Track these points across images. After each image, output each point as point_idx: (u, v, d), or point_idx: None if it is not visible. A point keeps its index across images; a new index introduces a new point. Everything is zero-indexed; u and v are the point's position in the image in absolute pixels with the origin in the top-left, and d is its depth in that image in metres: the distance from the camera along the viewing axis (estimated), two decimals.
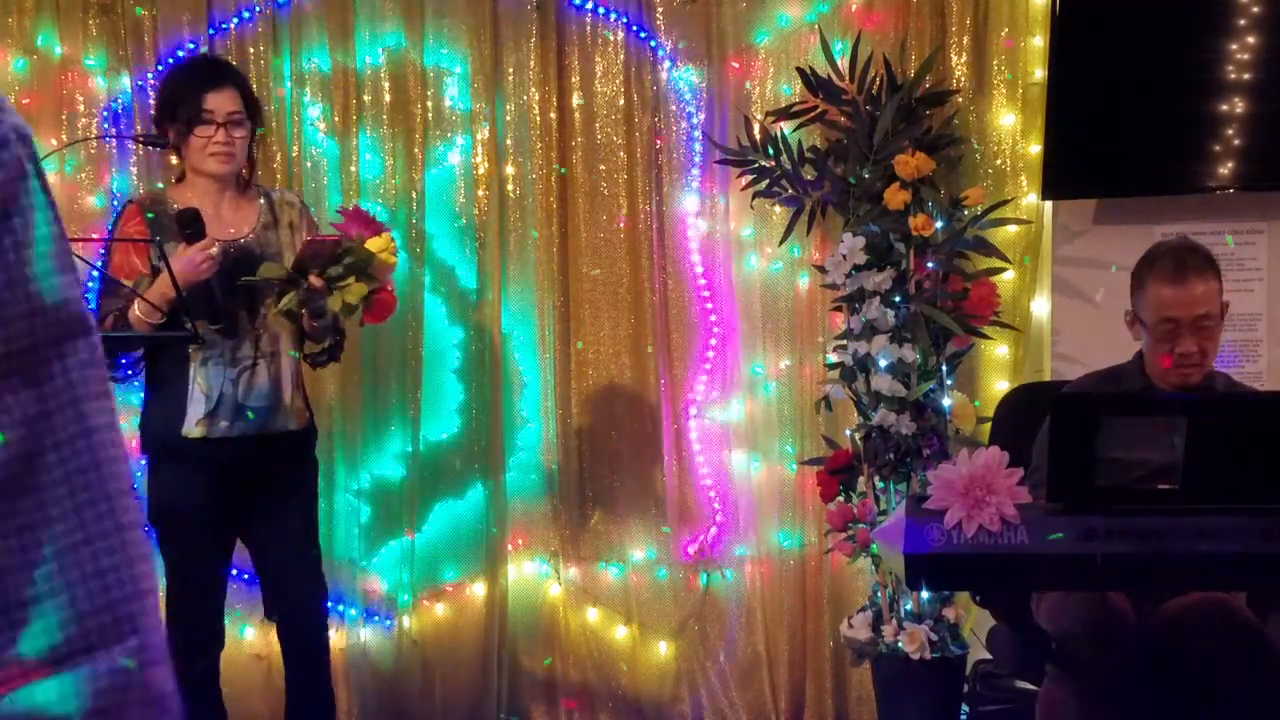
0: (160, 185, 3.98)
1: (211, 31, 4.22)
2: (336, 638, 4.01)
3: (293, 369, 3.31)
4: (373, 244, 3.16)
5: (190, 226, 3.10)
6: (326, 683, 3.49)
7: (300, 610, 3.39)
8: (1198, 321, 2.95)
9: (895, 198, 3.74)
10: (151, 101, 3.66)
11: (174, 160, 3.65)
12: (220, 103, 3.22)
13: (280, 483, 3.34)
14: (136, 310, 3.15)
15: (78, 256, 3.30)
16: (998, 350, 4.02)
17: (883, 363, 3.73)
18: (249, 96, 3.32)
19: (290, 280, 3.15)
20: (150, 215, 3.25)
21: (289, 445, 3.34)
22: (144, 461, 3.38)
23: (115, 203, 4.29)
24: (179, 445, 3.21)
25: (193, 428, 3.20)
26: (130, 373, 3.38)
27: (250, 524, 3.35)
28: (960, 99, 3.97)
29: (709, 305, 4.21)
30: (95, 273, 3.38)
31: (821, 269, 3.94)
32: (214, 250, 3.11)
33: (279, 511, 3.35)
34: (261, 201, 3.36)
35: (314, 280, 3.11)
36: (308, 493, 3.45)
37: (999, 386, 3.92)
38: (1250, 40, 3.71)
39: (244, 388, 3.21)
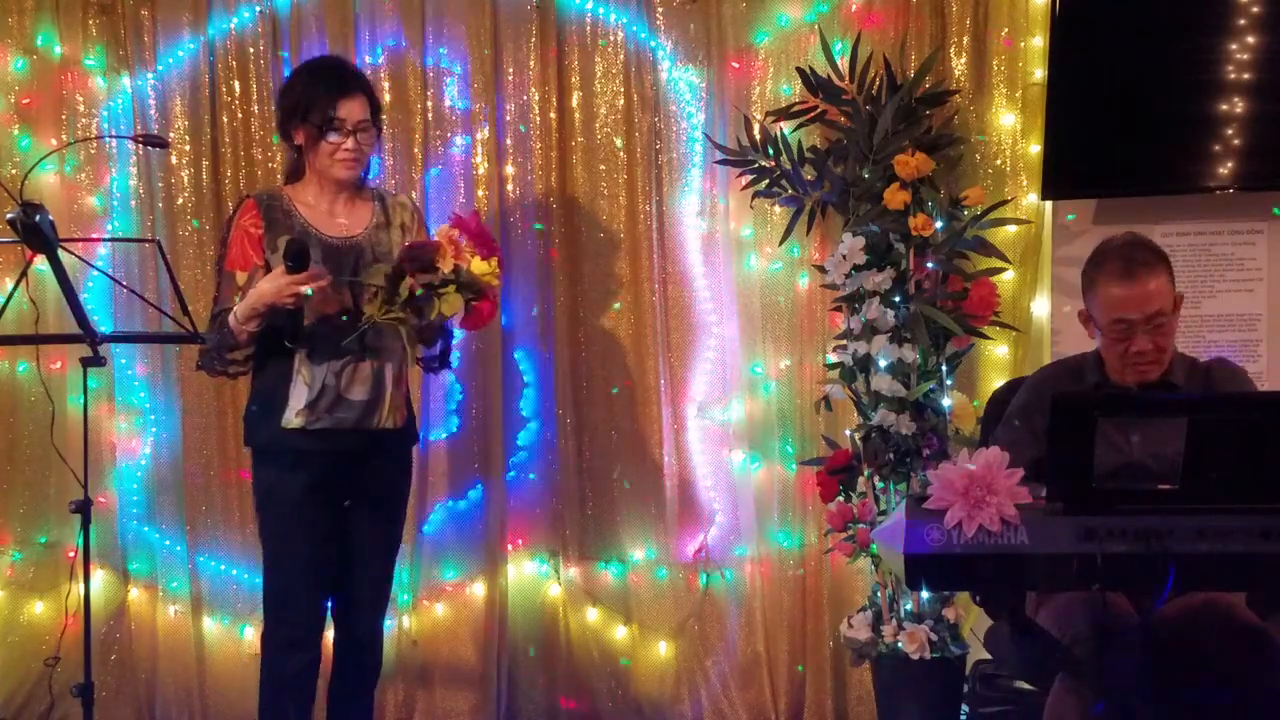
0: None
1: (211, 31, 4.23)
2: None
3: (396, 367, 3.29)
4: (477, 266, 3.15)
5: (294, 260, 3.06)
6: (371, 699, 3.47)
7: (363, 627, 3.37)
8: (1151, 320, 2.91)
9: (895, 198, 3.74)
10: (275, 103, 3.48)
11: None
12: (351, 111, 3.22)
13: (373, 487, 3.31)
14: (234, 318, 3.14)
15: (77, 256, 3.30)
16: (998, 350, 4.03)
17: (883, 363, 3.73)
18: (375, 102, 3.31)
19: (392, 282, 3.12)
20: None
21: (388, 444, 3.32)
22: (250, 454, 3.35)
23: (115, 202, 4.31)
24: (280, 437, 3.21)
25: (293, 419, 3.19)
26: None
27: (344, 527, 3.30)
28: (960, 99, 3.97)
29: (709, 305, 4.21)
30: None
31: (821, 269, 3.94)
32: (305, 290, 3.07)
33: (367, 518, 3.31)
34: (376, 203, 3.35)
35: (413, 284, 3.08)
36: (398, 504, 3.43)
37: (999, 386, 3.92)
38: (1250, 40, 3.71)
39: (346, 381, 3.21)
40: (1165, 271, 2.95)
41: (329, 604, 3.33)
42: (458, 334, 3.50)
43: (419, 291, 3.11)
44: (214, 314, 3.24)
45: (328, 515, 3.25)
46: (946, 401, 3.79)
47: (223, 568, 4.31)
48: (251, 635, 4.24)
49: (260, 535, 3.32)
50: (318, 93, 3.23)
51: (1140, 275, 2.91)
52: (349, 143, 3.23)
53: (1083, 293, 3.06)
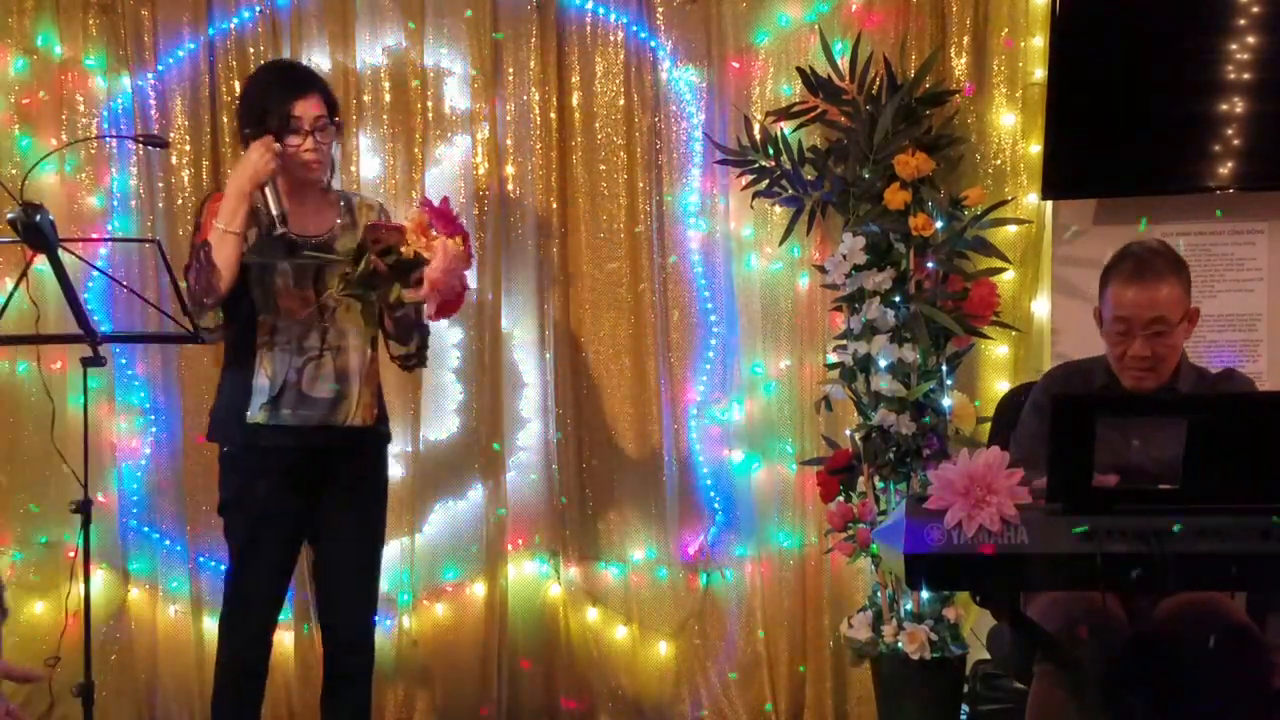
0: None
1: (212, 31, 4.23)
2: None
3: (362, 364, 3.28)
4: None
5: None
6: (366, 698, 3.45)
7: (347, 626, 3.36)
8: (1150, 325, 2.90)
9: (895, 198, 3.74)
10: (235, 107, 3.54)
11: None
12: (307, 109, 3.21)
13: (344, 484, 3.31)
14: (219, 228, 3.11)
15: (77, 256, 3.30)
16: (998, 350, 4.03)
17: (883, 363, 3.73)
18: (331, 100, 3.31)
19: (354, 259, 3.12)
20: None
21: (354, 441, 3.30)
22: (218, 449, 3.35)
23: (115, 203, 4.31)
24: (243, 432, 3.21)
25: (256, 413, 3.19)
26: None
27: (316, 527, 3.32)
28: (960, 99, 3.97)
29: (709, 305, 4.21)
30: (96, 274, 3.33)
31: (821, 269, 3.94)
32: (275, 147, 3.11)
33: (341, 517, 3.31)
34: (341, 205, 3.35)
35: (375, 261, 3.07)
36: (373, 501, 3.41)
37: (999, 386, 3.92)
38: (1250, 40, 3.71)
39: (309, 377, 3.21)
40: (1178, 282, 2.94)
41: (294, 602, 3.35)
42: (448, 333, 3.48)
43: (376, 268, 3.06)
44: (193, 247, 3.17)
45: (295, 514, 3.26)
46: (946, 401, 3.79)
47: (223, 567, 4.29)
48: None
49: (226, 534, 3.32)
50: (273, 94, 3.22)
51: (1149, 279, 2.92)
52: (308, 143, 3.21)
53: (1099, 291, 3.06)
